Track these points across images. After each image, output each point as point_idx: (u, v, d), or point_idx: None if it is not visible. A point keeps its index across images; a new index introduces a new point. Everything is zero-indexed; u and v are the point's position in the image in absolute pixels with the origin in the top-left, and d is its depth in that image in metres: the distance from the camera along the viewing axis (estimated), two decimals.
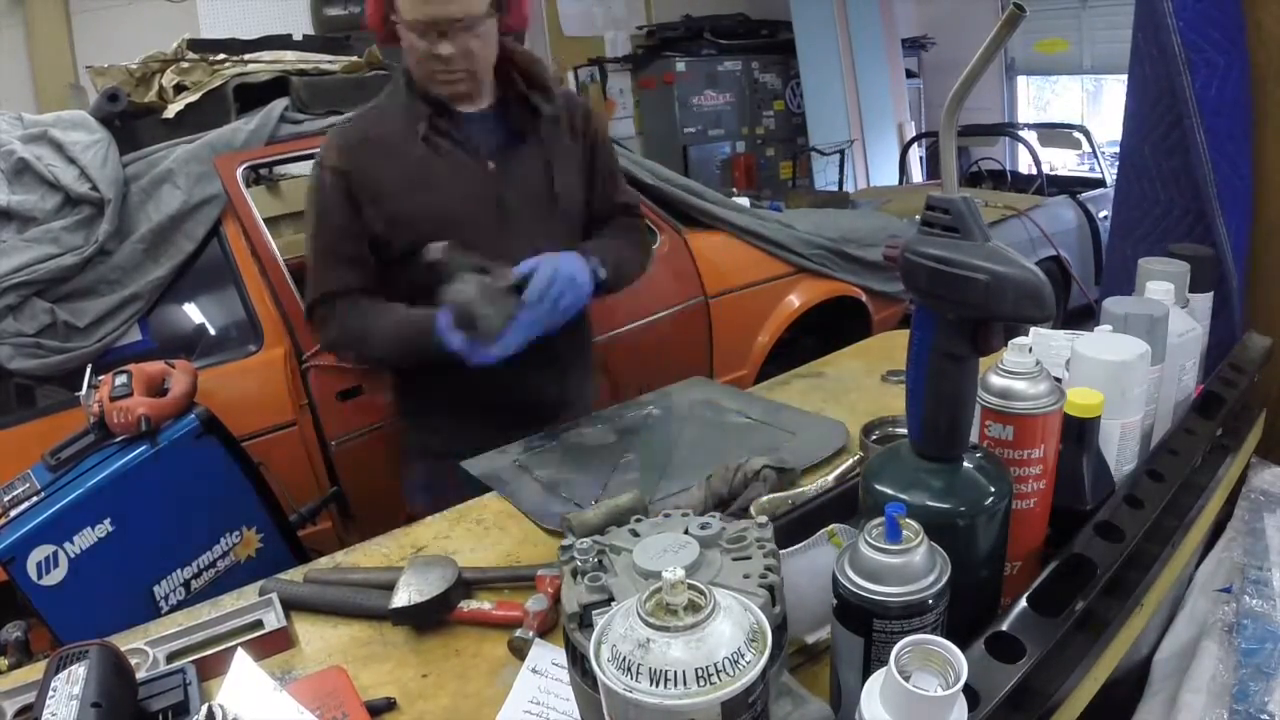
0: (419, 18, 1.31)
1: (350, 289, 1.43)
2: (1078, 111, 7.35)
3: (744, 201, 3.40)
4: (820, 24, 6.57)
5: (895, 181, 6.50)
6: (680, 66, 6.51)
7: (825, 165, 6.59)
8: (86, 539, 1.34)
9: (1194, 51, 1.04)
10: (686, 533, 0.63)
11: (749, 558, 0.61)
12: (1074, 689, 0.59)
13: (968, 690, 0.48)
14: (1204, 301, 0.99)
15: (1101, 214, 4.24)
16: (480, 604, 0.91)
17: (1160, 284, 0.90)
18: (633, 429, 1.42)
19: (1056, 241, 4.05)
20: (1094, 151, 5.26)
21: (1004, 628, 0.58)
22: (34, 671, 0.85)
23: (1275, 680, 0.74)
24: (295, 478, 1.94)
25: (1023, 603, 0.60)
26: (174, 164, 2.11)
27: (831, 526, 0.71)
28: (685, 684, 0.44)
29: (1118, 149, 1.39)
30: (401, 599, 0.88)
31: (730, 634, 0.46)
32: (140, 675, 0.80)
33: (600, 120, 1.57)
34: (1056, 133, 5.87)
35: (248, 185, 2.20)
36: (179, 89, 2.31)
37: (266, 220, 2.22)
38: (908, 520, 0.57)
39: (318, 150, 1.45)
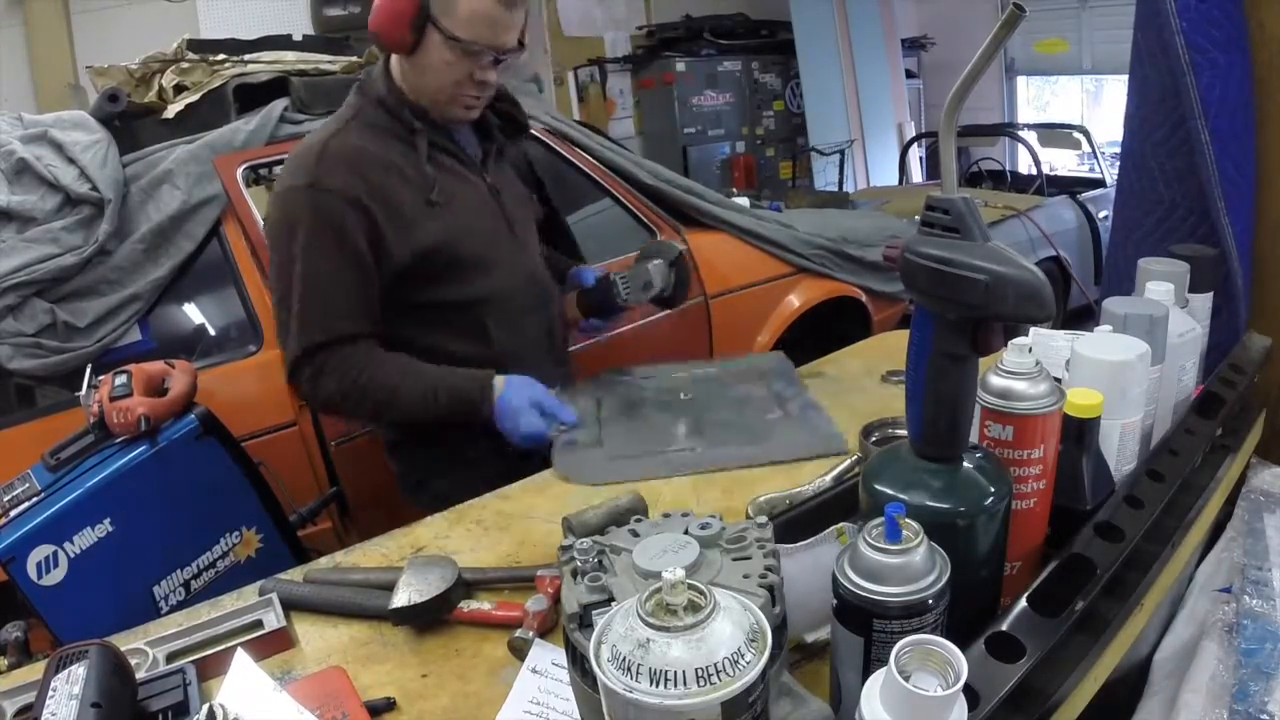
0: (487, 42, 1.24)
1: (362, 335, 1.29)
2: (1078, 111, 7.35)
3: (744, 202, 3.40)
4: (820, 24, 6.57)
5: (895, 182, 6.50)
6: (680, 67, 6.51)
7: (825, 165, 6.59)
8: (86, 539, 1.34)
9: (1197, 52, 1.04)
10: (686, 533, 0.63)
11: (749, 558, 0.61)
12: (1074, 689, 0.59)
13: (968, 690, 0.48)
14: (1204, 301, 0.99)
15: (1101, 214, 4.24)
16: (480, 604, 0.90)
17: (1160, 284, 0.90)
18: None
19: (1056, 241, 4.05)
20: (1094, 152, 5.26)
21: (1004, 628, 0.58)
22: (34, 671, 0.85)
23: (1275, 680, 0.74)
24: (295, 478, 1.94)
25: (1023, 603, 0.60)
26: (174, 164, 2.11)
27: (840, 525, 0.71)
28: (685, 684, 0.44)
29: (1118, 149, 1.40)
30: (401, 599, 0.88)
31: (730, 634, 0.46)
32: (140, 675, 0.80)
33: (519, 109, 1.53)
34: (1056, 133, 5.87)
35: (248, 185, 2.20)
36: (179, 89, 2.32)
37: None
38: (908, 520, 0.57)
39: (290, 179, 1.28)
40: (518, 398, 1.29)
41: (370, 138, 1.31)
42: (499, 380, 1.31)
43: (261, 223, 2.17)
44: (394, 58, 1.32)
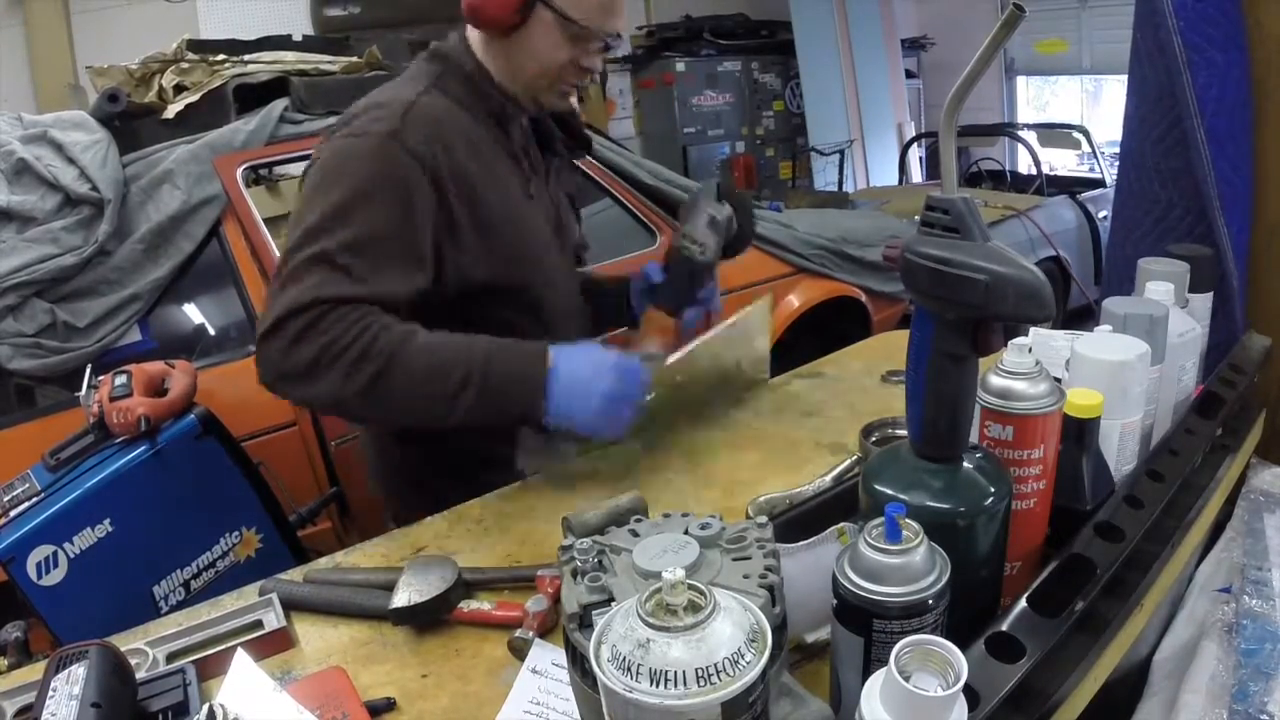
0: (603, 27, 1.17)
1: (395, 298, 1.07)
2: (1077, 111, 7.36)
3: None
4: (820, 24, 6.57)
5: (895, 182, 6.50)
6: (680, 66, 6.52)
7: (825, 165, 6.60)
8: (86, 539, 1.34)
9: (1194, 51, 1.04)
10: (686, 533, 0.63)
11: (749, 558, 0.61)
12: (1074, 689, 0.59)
13: (968, 690, 0.48)
14: (1204, 301, 0.99)
15: (1101, 214, 4.25)
16: (480, 604, 0.91)
17: (1160, 284, 0.90)
18: None
19: (1056, 241, 4.05)
20: (1093, 151, 5.27)
21: (1004, 628, 0.58)
22: (34, 672, 0.85)
23: (1275, 680, 0.74)
24: (295, 478, 1.94)
25: (1023, 603, 0.60)
26: (174, 164, 2.11)
27: (841, 525, 0.71)
28: (685, 684, 0.44)
29: (1117, 149, 1.40)
30: (401, 599, 0.88)
31: (730, 634, 0.46)
32: (140, 675, 0.80)
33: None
34: (1056, 133, 5.88)
35: (248, 185, 2.21)
36: (179, 89, 2.32)
37: (266, 220, 2.22)
38: (908, 520, 0.57)
39: (367, 124, 1.09)
40: (584, 364, 1.10)
41: (450, 112, 1.16)
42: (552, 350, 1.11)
43: (261, 223, 2.17)
44: (475, 34, 1.21)
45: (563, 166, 1.39)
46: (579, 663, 0.58)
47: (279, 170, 3.12)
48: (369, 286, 1.05)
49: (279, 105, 2.28)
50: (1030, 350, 0.68)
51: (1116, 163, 1.34)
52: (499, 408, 1.08)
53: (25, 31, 4.63)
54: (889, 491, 0.64)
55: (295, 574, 1.02)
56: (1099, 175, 5.12)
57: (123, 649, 0.79)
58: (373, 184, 1.06)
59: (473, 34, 1.22)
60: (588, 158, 2.69)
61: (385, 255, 1.07)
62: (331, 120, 2.26)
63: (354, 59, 2.56)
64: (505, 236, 1.18)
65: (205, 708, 0.67)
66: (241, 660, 0.79)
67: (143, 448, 1.41)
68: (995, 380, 0.68)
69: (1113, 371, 0.77)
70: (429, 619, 0.89)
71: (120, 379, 1.44)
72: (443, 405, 1.06)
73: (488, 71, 1.20)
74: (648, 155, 4.96)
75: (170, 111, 2.24)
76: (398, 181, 1.07)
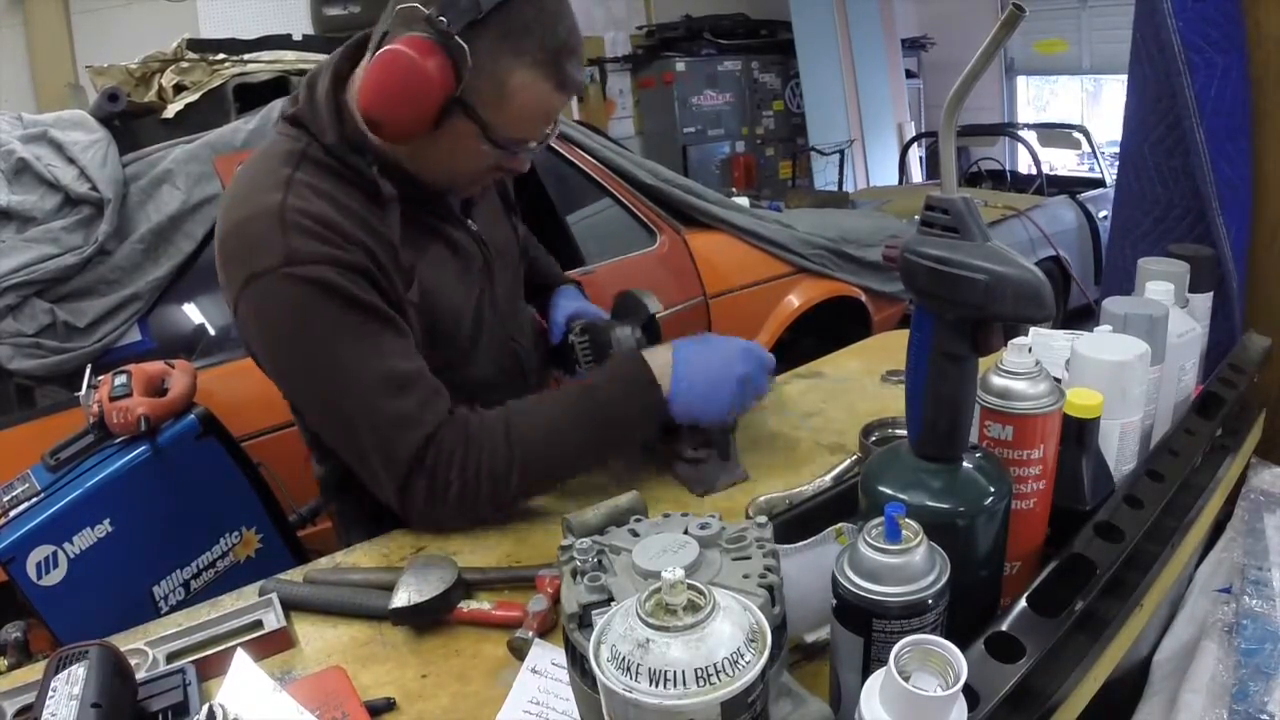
0: (534, 136, 1.05)
1: (451, 403, 1.03)
2: (1077, 111, 7.37)
3: (744, 201, 3.40)
4: (820, 24, 6.58)
5: (895, 181, 6.51)
6: (680, 66, 6.52)
7: (825, 165, 6.60)
8: (86, 539, 1.34)
9: (1193, 51, 1.04)
10: (686, 533, 0.63)
11: (748, 558, 0.61)
12: (1074, 689, 0.59)
13: (967, 690, 0.48)
14: (1204, 301, 0.99)
15: (1101, 214, 4.25)
16: (480, 604, 0.91)
17: (1160, 284, 0.90)
18: None
19: (1056, 241, 4.05)
20: (1093, 151, 5.27)
21: (1004, 628, 0.58)
22: (34, 672, 0.85)
23: (1275, 680, 0.74)
24: (295, 478, 1.94)
25: (1022, 603, 0.60)
26: (173, 164, 2.11)
27: (839, 525, 0.71)
28: (685, 684, 0.44)
29: (1117, 149, 1.40)
30: (401, 599, 0.88)
31: (730, 634, 0.46)
32: (140, 675, 0.80)
33: None
34: (1056, 133, 5.88)
35: None
36: (179, 89, 2.32)
37: None
38: (907, 520, 0.57)
39: (232, 263, 0.99)
40: (705, 358, 1.08)
41: (327, 189, 1.01)
42: (659, 356, 1.09)
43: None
44: (355, 94, 1.03)
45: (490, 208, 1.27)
46: (579, 663, 0.58)
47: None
48: (439, 402, 1.02)
49: (279, 105, 2.27)
50: (1030, 350, 0.68)
51: (1116, 163, 1.34)
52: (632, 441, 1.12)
53: (25, 31, 4.63)
54: (889, 491, 0.64)
55: (295, 574, 1.02)
56: (1099, 175, 5.12)
57: (123, 649, 0.79)
58: (319, 328, 0.97)
59: (353, 90, 1.04)
60: (588, 158, 2.70)
61: (417, 369, 1.02)
62: None
63: None
64: (416, 323, 1.07)
65: (205, 708, 0.67)
66: (241, 660, 0.79)
67: (143, 448, 1.40)
68: (995, 380, 0.68)
69: (1113, 371, 0.77)
70: (429, 619, 0.89)
71: (120, 379, 1.44)
72: (588, 461, 1.09)
73: (359, 134, 1.03)
74: (648, 155, 4.96)
75: (170, 111, 2.24)
76: (325, 301, 0.97)
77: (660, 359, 1.09)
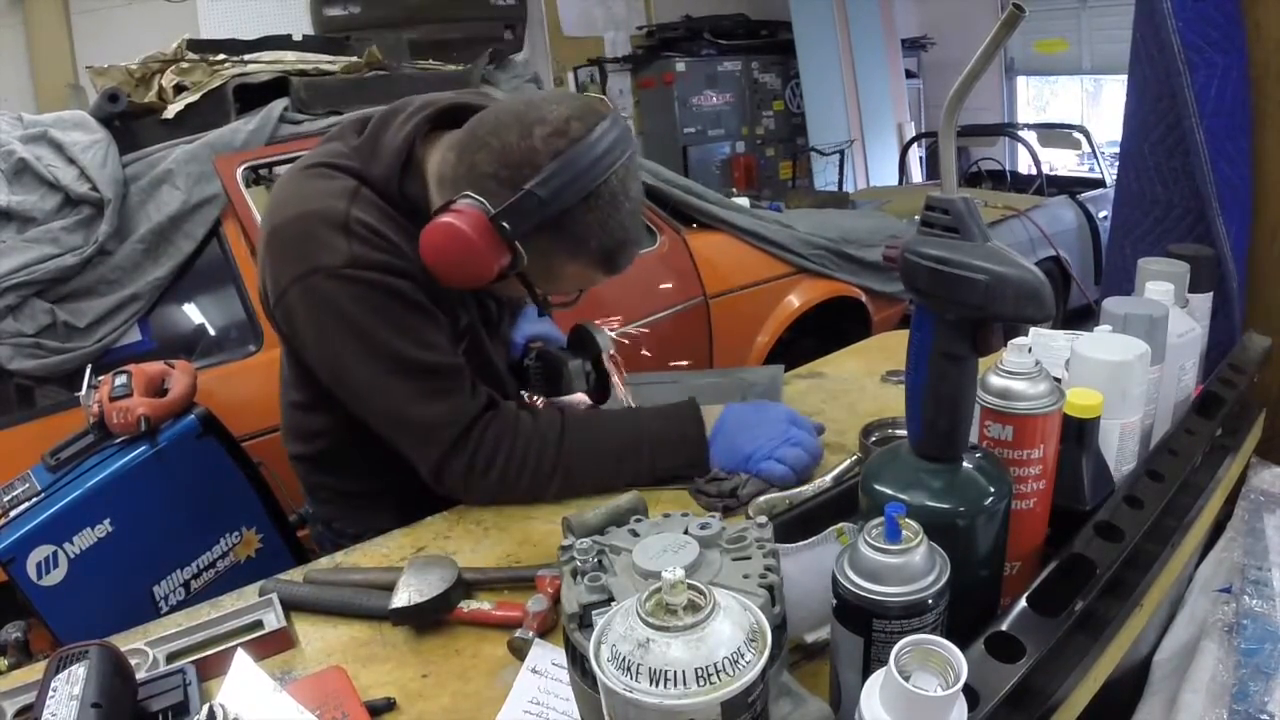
0: (576, 291, 1.13)
1: (490, 398, 1.12)
2: (1077, 111, 7.36)
3: (744, 202, 3.41)
4: (820, 24, 6.57)
5: (895, 182, 6.50)
6: (680, 66, 6.51)
7: (825, 165, 6.59)
8: (86, 539, 1.34)
9: (1193, 51, 1.04)
10: (686, 533, 0.63)
11: (749, 558, 0.61)
12: (1074, 689, 0.59)
13: (967, 690, 0.48)
14: (1204, 301, 0.99)
15: (1101, 214, 4.24)
16: (480, 604, 0.91)
17: (1160, 284, 0.90)
18: None
19: (1056, 241, 4.05)
20: (1094, 151, 5.27)
21: (1004, 628, 0.58)
22: (34, 672, 0.85)
23: (1275, 680, 0.74)
24: (295, 478, 1.94)
25: (1023, 603, 0.60)
26: (174, 164, 2.11)
27: (840, 525, 0.71)
28: (685, 684, 0.44)
29: (1117, 149, 1.40)
30: (401, 599, 0.88)
31: (730, 634, 0.46)
32: (140, 675, 0.80)
33: None
34: (1056, 133, 5.88)
35: (248, 185, 2.20)
36: (179, 89, 2.32)
37: None
38: (907, 520, 0.57)
39: (292, 260, 1.03)
40: (744, 416, 1.13)
41: (382, 214, 1.05)
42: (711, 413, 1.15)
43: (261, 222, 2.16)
44: (435, 166, 1.07)
45: None
46: (579, 663, 0.58)
47: (279, 170, 3.13)
48: (478, 394, 1.10)
49: (279, 105, 2.28)
50: (1030, 350, 0.68)
51: (1116, 163, 1.34)
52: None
53: (25, 31, 4.63)
54: (889, 491, 0.64)
55: (295, 574, 1.02)
56: (1099, 175, 5.12)
57: (123, 649, 0.79)
58: (376, 327, 1.04)
59: (433, 159, 1.08)
60: None
61: (446, 350, 1.09)
62: (332, 120, 2.28)
63: (354, 59, 2.56)
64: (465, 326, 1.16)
65: (205, 708, 0.68)
66: (241, 660, 0.79)
67: (143, 448, 1.40)
68: (995, 380, 0.68)
69: (1113, 371, 0.77)
70: (429, 619, 0.89)
71: (120, 379, 1.44)
72: (620, 486, 1.10)
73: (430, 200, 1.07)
74: (648, 155, 4.97)
75: (170, 111, 2.24)
76: (386, 302, 1.04)
77: (712, 413, 1.15)
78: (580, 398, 1.35)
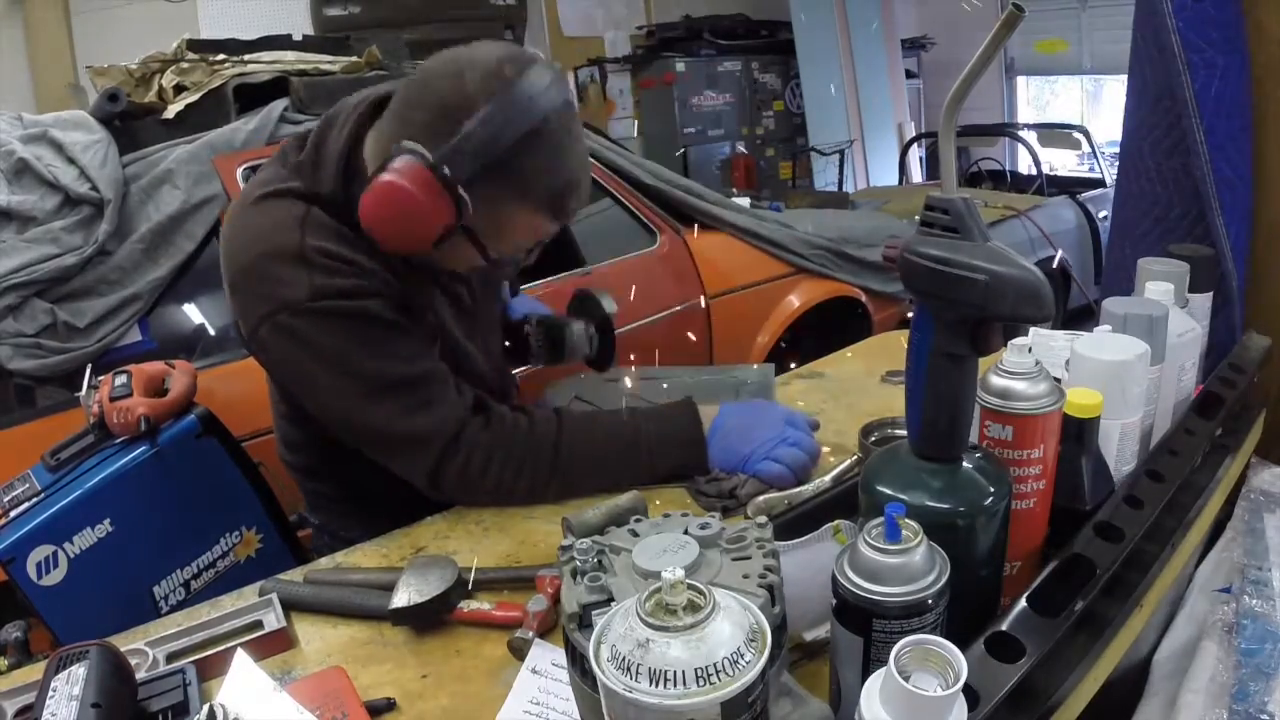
0: (527, 246, 1.10)
1: (476, 399, 1.11)
2: (1077, 111, 7.36)
3: (744, 202, 3.40)
4: (820, 24, 6.57)
5: (895, 182, 6.50)
6: (680, 67, 6.51)
7: (825, 165, 6.59)
8: (86, 539, 1.34)
9: (1193, 52, 1.04)
10: (686, 533, 0.63)
11: (748, 558, 0.61)
12: (1074, 689, 0.59)
13: (967, 690, 0.48)
14: (1204, 301, 0.99)
15: (1101, 214, 4.24)
16: (480, 604, 0.91)
17: (1160, 284, 0.90)
18: None
19: (1056, 241, 4.05)
20: (1094, 151, 5.27)
21: (1004, 628, 0.58)
22: (34, 672, 0.85)
23: (1275, 680, 0.74)
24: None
25: (1022, 603, 0.60)
26: (174, 164, 2.11)
27: (836, 522, 0.71)
28: (685, 684, 0.44)
29: (1117, 149, 1.40)
30: (401, 599, 0.88)
31: (730, 634, 0.46)
32: (140, 675, 0.80)
33: None
34: (1056, 133, 5.88)
35: None
36: (179, 89, 2.32)
37: None
38: (907, 520, 0.57)
39: (254, 300, 1.03)
40: (742, 415, 1.13)
41: (335, 228, 1.03)
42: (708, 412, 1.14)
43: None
44: (371, 148, 1.05)
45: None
46: (579, 663, 0.58)
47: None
48: (463, 397, 1.09)
49: (279, 105, 2.28)
50: (1030, 350, 0.68)
51: (1116, 163, 1.34)
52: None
53: (25, 31, 4.63)
54: (889, 491, 0.64)
55: (295, 574, 1.03)
56: (1099, 175, 5.12)
57: (123, 649, 0.79)
58: (352, 349, 1.03)
59: (368, 153, 1.05)
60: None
61: (423, 358, 1.08)
62: None
63: (354, 59, 2.56)
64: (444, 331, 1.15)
65: (205, 708, 0.68)
66: (241, 660, 0.79)
67: (143, 448, 1.40)
68: (995, 380, 0.68)
69: (1113, 371, 0.77)
70: (429, 619, 0.89)
71: (120, 379, 1.44)
72: (619, 489, 1.07)
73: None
74: (648, 155, 4.96)
75: (170, 111, 2.24)
76: (360, 324, 1.03)
77: (708, 414, 1.14)
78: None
